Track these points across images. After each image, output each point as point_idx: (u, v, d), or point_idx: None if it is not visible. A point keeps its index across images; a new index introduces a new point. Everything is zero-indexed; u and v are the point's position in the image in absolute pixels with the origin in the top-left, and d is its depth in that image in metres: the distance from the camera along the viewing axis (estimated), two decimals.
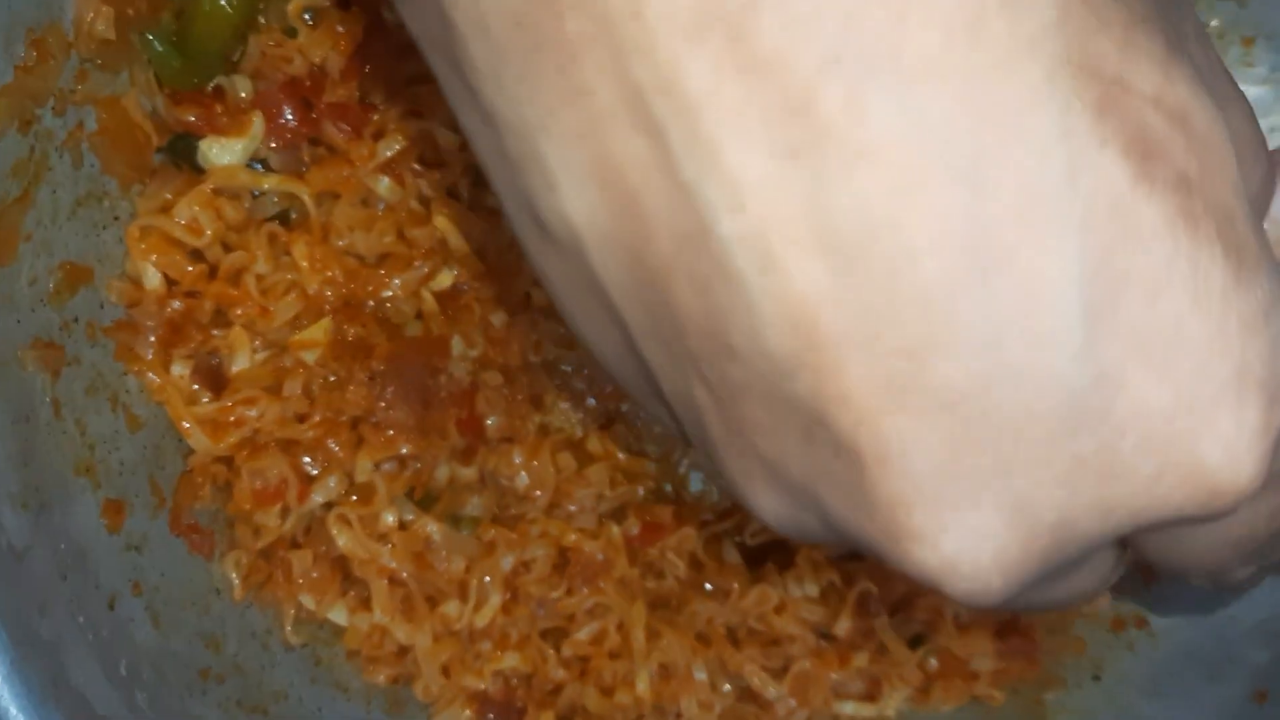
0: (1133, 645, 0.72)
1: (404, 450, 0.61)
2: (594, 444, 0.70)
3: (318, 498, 0.61)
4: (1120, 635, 0.72)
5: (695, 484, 0.73)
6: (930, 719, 0.73)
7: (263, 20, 0.59)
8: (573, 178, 0.27)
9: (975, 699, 0.72)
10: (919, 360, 0.24)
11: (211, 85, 0.59)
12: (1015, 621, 0.71)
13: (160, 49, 0.56)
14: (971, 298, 0.23)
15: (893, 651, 0.70)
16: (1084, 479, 0.25)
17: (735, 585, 0.71)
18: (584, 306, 0.31)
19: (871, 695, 0.71)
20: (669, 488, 0.73)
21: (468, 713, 0.66)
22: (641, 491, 0.72)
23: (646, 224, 0.26)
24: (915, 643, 0.72)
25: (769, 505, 0.30)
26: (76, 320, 0.55)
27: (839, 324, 0.24)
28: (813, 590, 0.70)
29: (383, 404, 0.60)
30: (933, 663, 0.72)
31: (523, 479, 0.67)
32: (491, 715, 0.66)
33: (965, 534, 0.26)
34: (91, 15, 0.52)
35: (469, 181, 0.63)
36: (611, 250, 0.28)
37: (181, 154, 0.59)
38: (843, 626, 0.69)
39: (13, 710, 0.46)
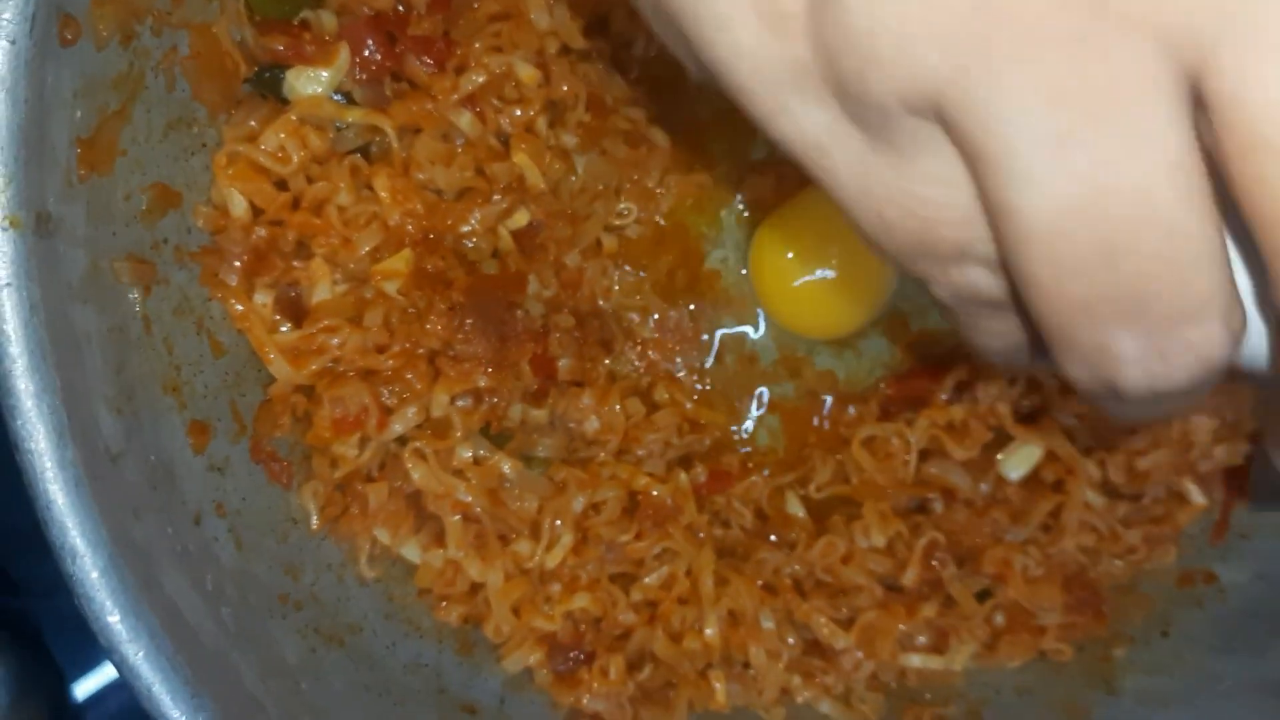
0: (1201, 601, 0.71)
1: (481, 382, 0.61)
2: (661, 393, 0.71)
3: (396, 427, 0.61)
4: (1188, 591, 0.72)
5: (763, 438, 0.73)
6: (998, 676, 0.72)
7: None
8: None
9: (1043, 655, 0.72)
10: None
11: (298, 18, 0.60)
12: (1082, 575, 0.71)
13: None
14: None
15: (961, 603, 0.70)
16: None
17: (801, 536, 0.71)
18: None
19: (938, 648, 0.71)
20: (738, 435, 0.73)
21: (537, 654, 0.66)
22: (708, 442, 0.72)
23: None
24: (982, 598, 0.71)
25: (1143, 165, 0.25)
26: (166, 241, 0.56)
27: None
28: (879, 541, 0.70)
29: (461, 336, 0.61)
30: (999, 618, 0.71)
31: (593, 423, 0.67)
32: (561, 658, 0.66)
33: None
34: None
35: (548, 118, 0.63)
36: None
37: (268, 85, 0.59)
38: (910, 577, 0.69)
39: (109, 605, 0.46)
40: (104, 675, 0.81)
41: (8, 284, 0.44)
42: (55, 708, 0.73)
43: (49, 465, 0.45)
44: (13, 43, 0.43)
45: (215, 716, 0.47)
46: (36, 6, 0.44)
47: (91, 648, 0.80)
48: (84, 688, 0.81)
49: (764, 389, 0.73)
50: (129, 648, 0.46)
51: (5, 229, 0.44)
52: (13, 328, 0.44)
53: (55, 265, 0.47)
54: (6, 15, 0.43)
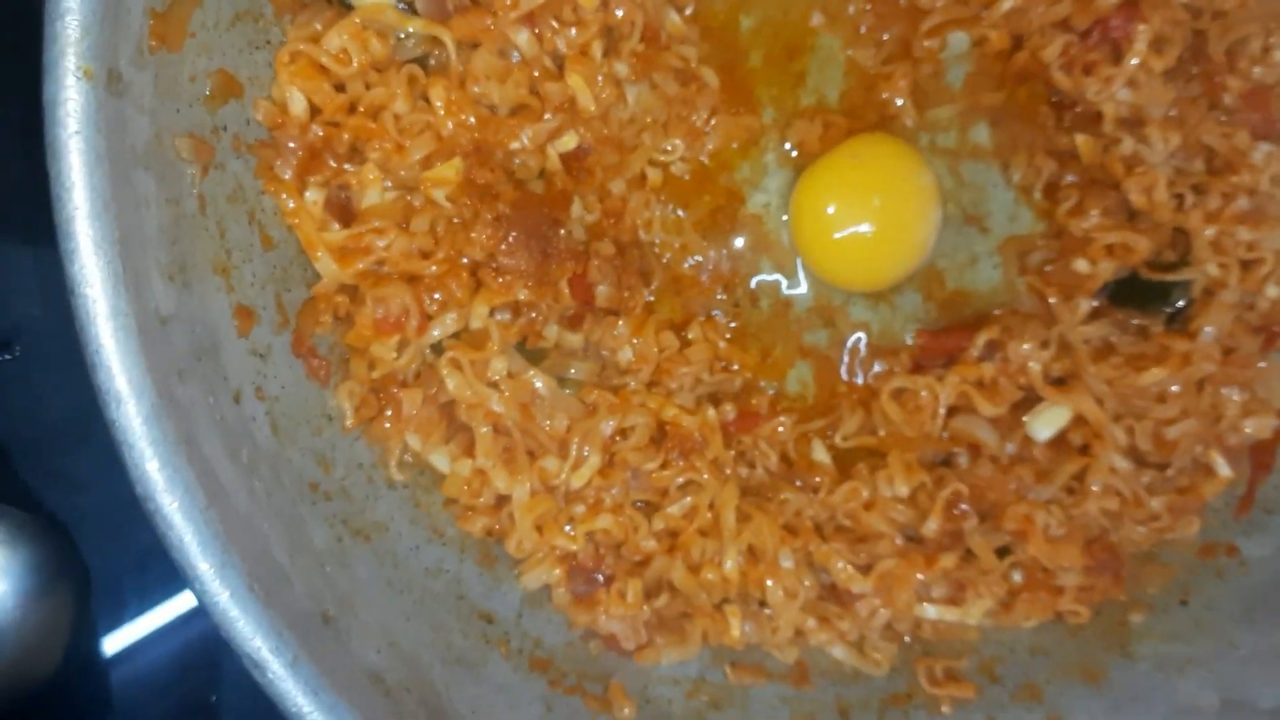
0: (1222, 573, 0.71)
1: (521, 296, 0.62)
2: (695, 330, 0.71)
3: (435, 332, 0.62)
4: (1209, 563, 0.72)
5: (793, 384, 0.74)
6: (1013, 634, 0.72)
7: None
8: None
9: (1059, 617, 0.71)
10: None
11: None
12: (1104, 538, 0.71)
13: None
14: None
15: (980, 557, 0.70)
16: None
17: (825, 482, 0.71)
18: None
19: (955, 601, 0.71)
20: (766, 385, 0.73)
21: (557, 572, 0.67)
22: (738, 382, 0.72)
23: None
24: (1001, 555, 0.71)
25: None
26: (225, 129, 0.57)
27: None
28: (903, 490, 0.70)
29: (504, 248, 0.62)
30: (1017, 576, 0.71)
31: (626, 352, 0.68)
32: (580, 580, 0.67)
33: None
34: None
35: (603, 45, 0.65)
36: None
37: None
38: (931, 527, 0.69)
39: (149, 452, 0.47)
40: (132, 632, 0.82)
41: (76, 132, 0.46)
42: (80, 602, 0.74)
43: (102, 310, 0.46)
44: None
45: (243, 574, 0.49)
46: None
47: (120, 605, 0.82)
48: (112, 644, 0.82)
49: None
50: (164, 497, 0.47)
51: (79, 78, 0.45)
52: (78, 175, 0.46)
53: (122, 126, 0.49)
54: None
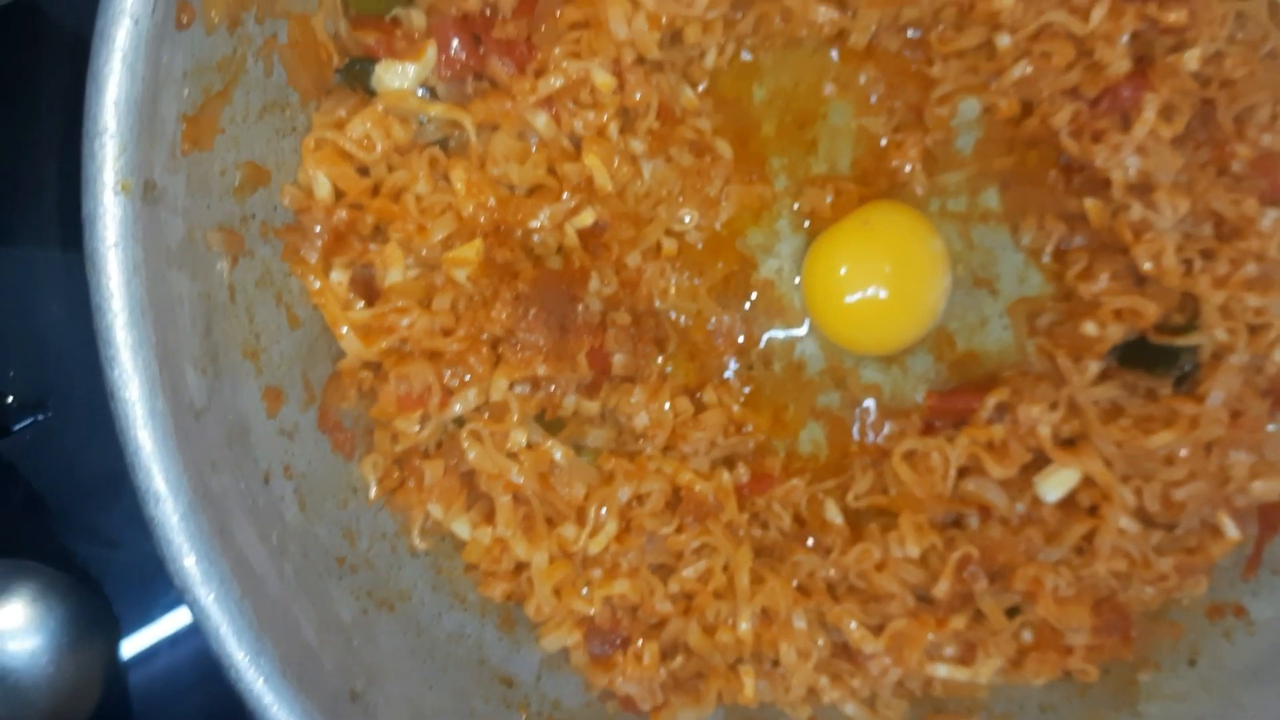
0: (1230, 634, 0.72)
1: (540, 370, 0.64)
2: (709, 394, 0.73)
3: (457, 407, 0.64)
4: (1217, 623, 0.73)
5: (805, 445, 0.75)
6: (1022, 692, 0.73)
7: None
8: None
9: (1068, 675, 0.73)
10: None
11: (390, 15, 0.63)
12: (1113, 599, 0.72)
13: None
14: None
15: (990, 618, 0.71)
16: None
17: (837, 542, 0.72)
18: None
19: (965, 660, 0.72)
20: (778, 445, 0.75)
21: (575, 635, 0.69)
22: (752, 444, 0.74)
23: None
24: (1011, 614, 0.72)
25: None
26: (254, 217, 0.59)
27: None
28: (914, 552, 0.71)
29: (523, 325, 0.63)
30: (1027, 635, 0.73)
31: (642, 418, 0.70)
32: (597, 641, 0.69)
33: None
34: None
35: (619, 124, 0.66)
36: None
37: (357, 77, 0.63)
38: (942, 588, 0.71)
39: (186, 548, 0.49)
40: (150, 635, 0.84)
41: (115, 244, 0.47)
42: (111, 655, 0.76)
43: (140, 414, 0.48)
44: (136, 21, 0.47)
45: (276, 660, 0.50)
46: None
47: (139, 608, 0.83)
48: (130, 646, 0.84)
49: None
50: (201, 589, 0.49)
51: (117, 193, 0.47)
52: (117, 285, 0.48)
53: (157, 231, 0.51)
54: None
